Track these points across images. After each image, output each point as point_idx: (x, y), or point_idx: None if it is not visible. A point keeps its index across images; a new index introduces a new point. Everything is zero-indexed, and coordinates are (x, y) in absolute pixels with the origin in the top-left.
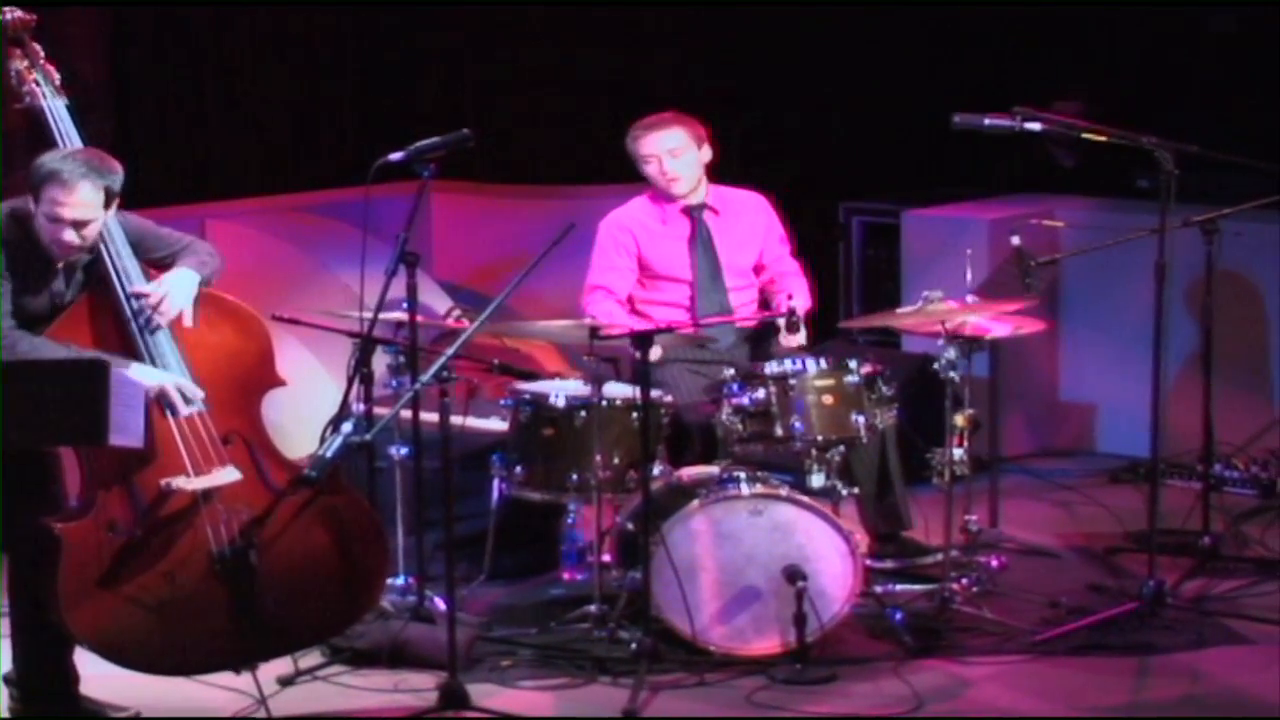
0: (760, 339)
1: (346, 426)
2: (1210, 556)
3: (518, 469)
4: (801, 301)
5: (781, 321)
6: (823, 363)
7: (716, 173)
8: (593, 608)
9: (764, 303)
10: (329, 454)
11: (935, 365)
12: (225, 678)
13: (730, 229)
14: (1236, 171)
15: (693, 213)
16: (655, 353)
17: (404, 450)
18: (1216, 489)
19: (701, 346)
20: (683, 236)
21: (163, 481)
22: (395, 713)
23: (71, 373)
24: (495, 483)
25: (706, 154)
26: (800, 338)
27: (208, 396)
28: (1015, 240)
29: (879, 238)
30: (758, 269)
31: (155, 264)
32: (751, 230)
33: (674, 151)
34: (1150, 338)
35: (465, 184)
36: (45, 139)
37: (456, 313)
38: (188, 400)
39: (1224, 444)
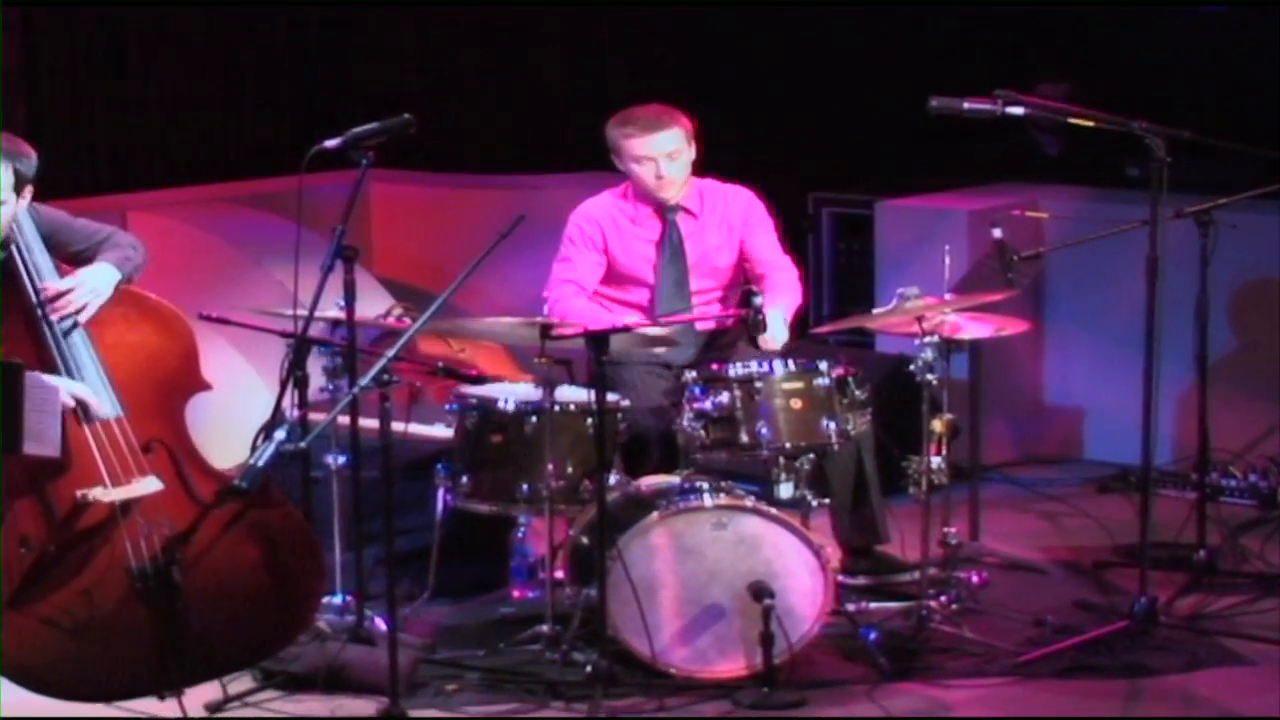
0: (724, 346)
1: (279, 433)
2: (1206, 571)
3: (464, 479)
4: (782, 300)
5: (751, 320)
6: (791, 364)
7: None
8: (545, 628)
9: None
10: (260, 463)
11: (911, 367)
12: (149, 704)
13: (705, 231)
14: (1233, 159)
15: (666, 214)
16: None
17: (341, 459)
18: (1213, 499)
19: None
20: (651, 238)
21: (78, 493)
22: None
23: None
24: (440, 494)
25: (694, 152)
26: (773, 338)
27: (127, 401)
28: (997, 233)
29: (851, 231)
30: (735, 268)
31: (71, 259)
32: (729, 230)
33: (673, 154)
34: (1141, 337)
35: (407, 173)
36: None
37: (398, 311)
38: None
39: (1220, 451)
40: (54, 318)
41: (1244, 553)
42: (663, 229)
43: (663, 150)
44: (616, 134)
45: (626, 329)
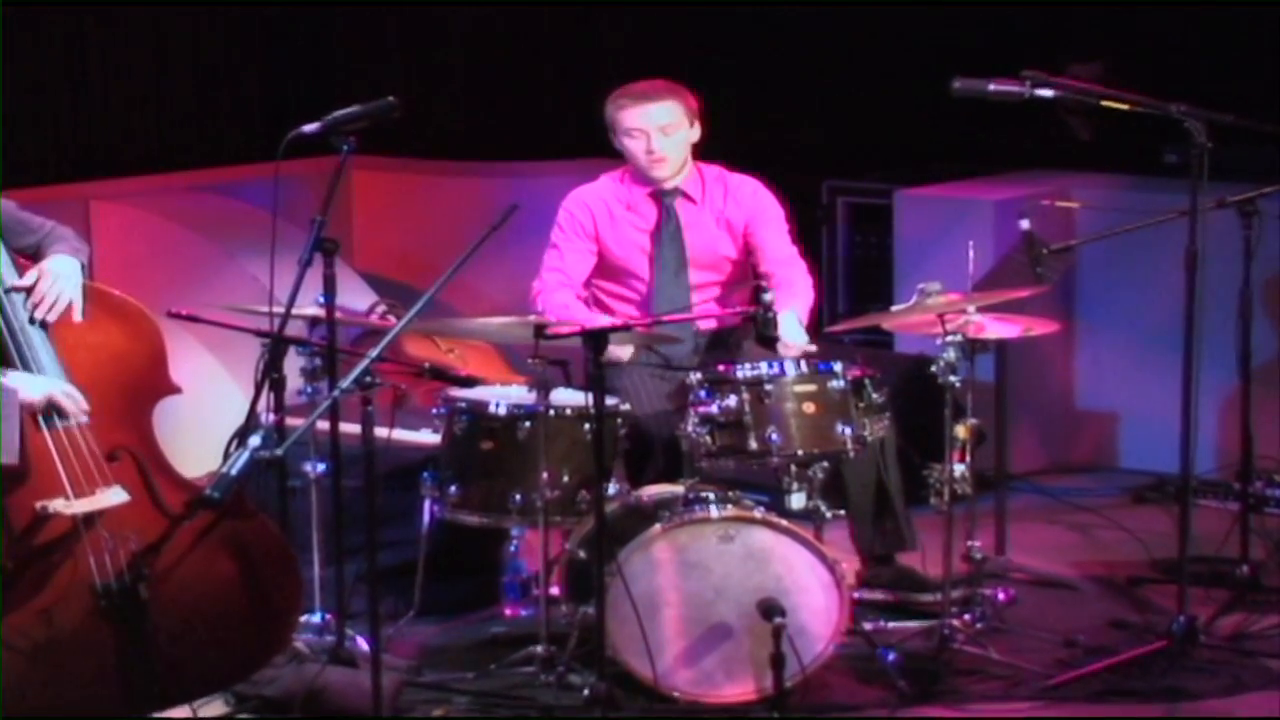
0: (730, 345)
1: (254, 440)
2: (1249, 588)
3: (452, 488)
4: (795, 300)
5: (760, 318)
6: (803, 366)
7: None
8: (539, 649)
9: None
10: (233, 472)
11: (933, 368)
12: None
13: (705, 219)
14: (1278, 144)
15: (664, 199)
16: (624, 352)
17: (321, 467)
18: (1257, 510)
19: (650, 349)
20: (647, 226)
21: (38, 505)
22: None
23: None
24: (426, 504)
25: (696, 132)
26: (792, 342)
27: (90, 406)
28: (1024, 224)
29: (868, 222)
30: (739, 263)
31: (20, 253)
32: (732, 221)
33: (666, 128)
34: (1180, 336)
35: (391, 159)
36: None
37: (381, 308)
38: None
39: (1265, 458)
40: (37, 315)
41: None
42: (659, 215)
43: (655, 123)
44: (612, 106)
45: (626, 327)
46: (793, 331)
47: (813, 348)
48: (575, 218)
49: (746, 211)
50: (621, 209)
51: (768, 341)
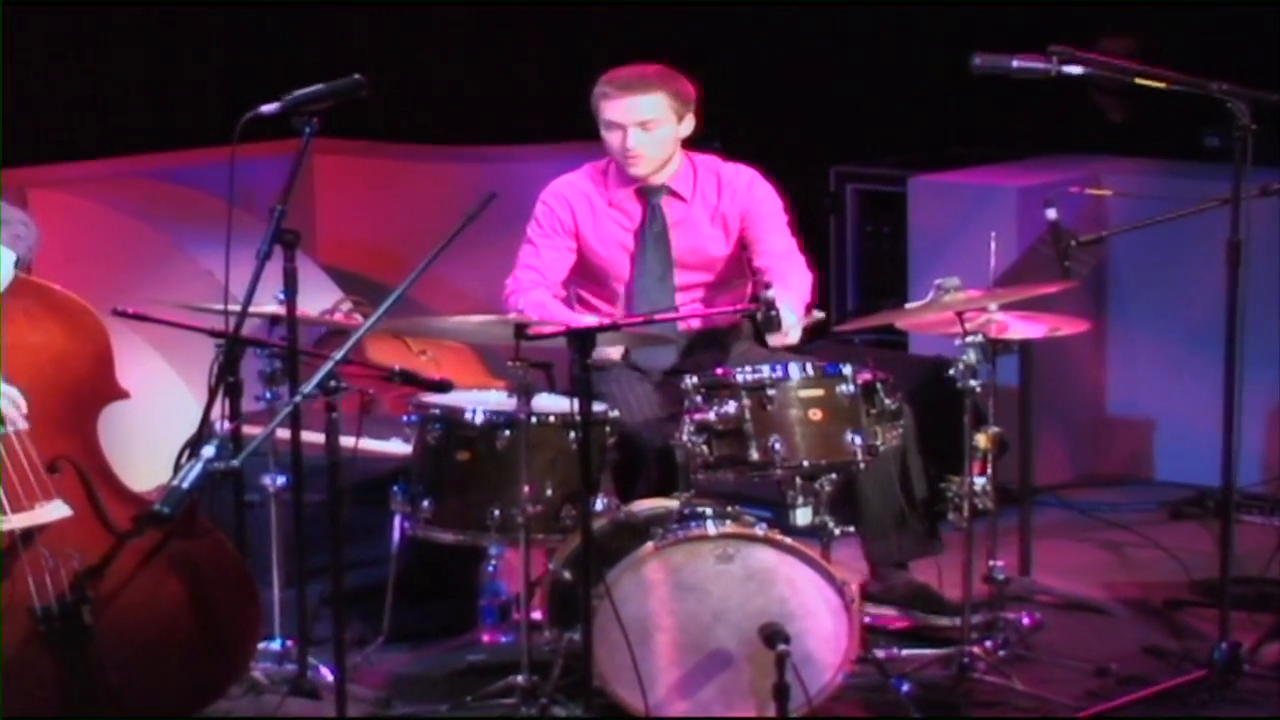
0: (721, 348)
1: (208, 450)
2: None
3: (425, 503)
4: (790, 294)
5: (762, 318)
6: (809, 368)
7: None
8: (519, 678)
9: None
10: (185, 485)
11: (951, 372)
12: None
13: (695, 219)
14: None
15: (649, 197)
16: (614, 351)
17: (281, 480)
18: None
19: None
20: (630, 225)
21: None
22: None
23: None
24: (396, 520)
25: (687, 127)
26: (788, 335)
27: (29, 412)
28: (1051, 214)
29: (880, 211)
30: (730, 261)
31: None
32: (726, 218)
33: (647, 124)
34: (1221, 336)
35: (357, 143)
36: None
37: (347, 306)
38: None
39: None
40: None
41: None
42: (644, 215)
43: (635, 117)
44: (597, 91)
45: (615, 326)
46: (786, 317)
47: (792, 339)
48: (553, 212)
49: (742, 204)
50: (604, 204)
51: (764, 339)
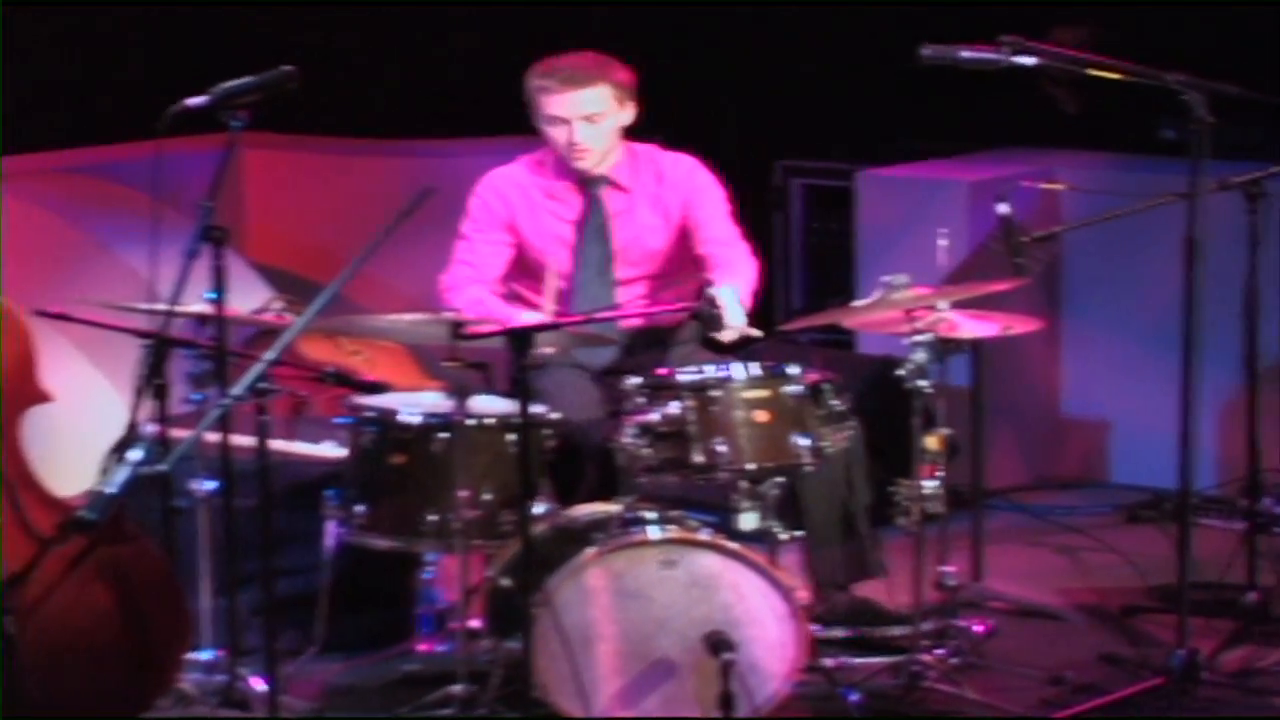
0: (663, 346)
1: (135, 454)
2: (1257, 618)
3: (358, 508)
4: (730, 289)
5: (706, 315)
6: (754, 368)
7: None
8: (457, 688)
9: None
10: (112, 490)
11: (900, 372)
12: None
13: (636, 209)
14: None
15: (590, 188)
16: (549, 347)
17: (210, 484)
18: (1265, 530)
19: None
20: (569, 216)
21: None
22: None
23: None
24: (330, 526)
25: (628, 115)
26: (730, 321)
27: None
28: (1003, 209)
29: (827, 206)
30: (671, 252)
31: None
32: (667, 207)
33: (593, 117)
34: (1177, 335)
35: (288, 137)
36: None
37: (278, 305)
38: None
39: (1274, 472)
40: None
41: None
42: (584, 206)
43: (579, 112)
44: (533, 86)
45: (555, 325)
46: (731, 309)
47: (755, 331)
48: (488, 206)
49: (683, 193)
50: (541, 196)
51: (713, 343)
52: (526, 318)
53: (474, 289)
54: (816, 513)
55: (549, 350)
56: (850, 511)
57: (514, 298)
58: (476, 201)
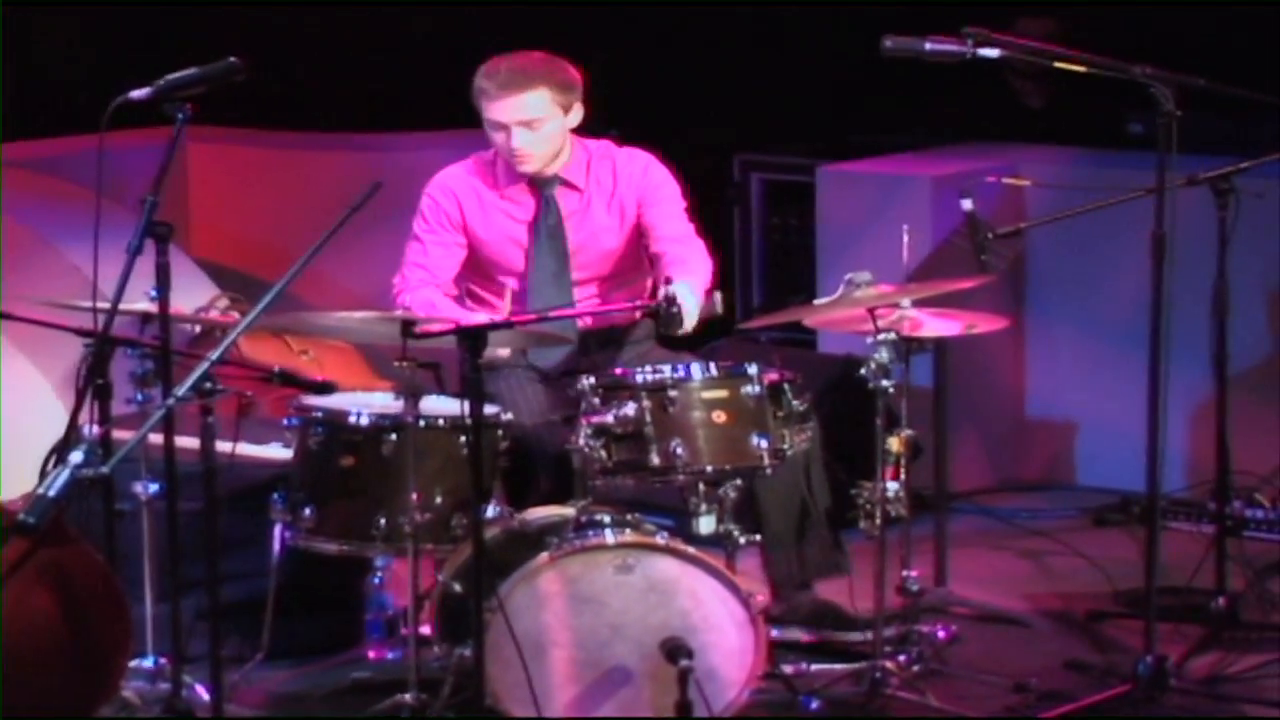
0: (618, 346)
1: (75, 456)
2: (1226, 623)
3: (306, 511)
4: (691, 278)
5: (664, 313)
6: (712, 368)
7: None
8: (407, 696)
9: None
10: (52, 493)
11: (862, 371)
12: None
13: (591, 209)
14: (1258, 113)
15: (542, 188)
16: (503, 350)
17: (153, 487)
18: (1234, 534)
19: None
20: (523, 217)
21: None
22: None
23: None
24: (276, 530)
25: (575, 117)
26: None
27: None
28: (967, 204)
29: (787, 201)
30: (626, 251)
31: None
32: (621, 205)
33: (532, 123)
34: (1145, 334)
35: (233, 130)
36: None
37: (223, 303)
38: None
39: (1243, 474)
40: None
41: (1272, 600)
42: (537, 207)
43: (517, 117)
44: (476, 87)
45: (508, 324)
46: (685, 304)
47: (717, 307)
48: (440, 206)
49: (637, 190)
50: (493, 196)
51: (669, 339)
52: (479, 318)
53: (427, 290)
54: (775, 514)
55: (503, 352)
56: (809, 512)
57: (468, 297)
58: (428, 202)
